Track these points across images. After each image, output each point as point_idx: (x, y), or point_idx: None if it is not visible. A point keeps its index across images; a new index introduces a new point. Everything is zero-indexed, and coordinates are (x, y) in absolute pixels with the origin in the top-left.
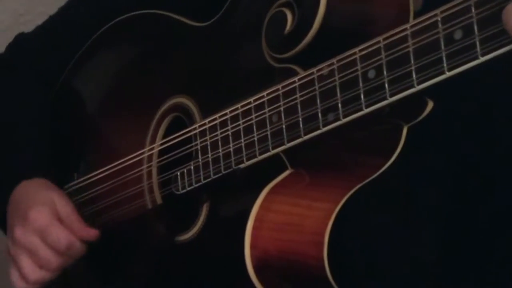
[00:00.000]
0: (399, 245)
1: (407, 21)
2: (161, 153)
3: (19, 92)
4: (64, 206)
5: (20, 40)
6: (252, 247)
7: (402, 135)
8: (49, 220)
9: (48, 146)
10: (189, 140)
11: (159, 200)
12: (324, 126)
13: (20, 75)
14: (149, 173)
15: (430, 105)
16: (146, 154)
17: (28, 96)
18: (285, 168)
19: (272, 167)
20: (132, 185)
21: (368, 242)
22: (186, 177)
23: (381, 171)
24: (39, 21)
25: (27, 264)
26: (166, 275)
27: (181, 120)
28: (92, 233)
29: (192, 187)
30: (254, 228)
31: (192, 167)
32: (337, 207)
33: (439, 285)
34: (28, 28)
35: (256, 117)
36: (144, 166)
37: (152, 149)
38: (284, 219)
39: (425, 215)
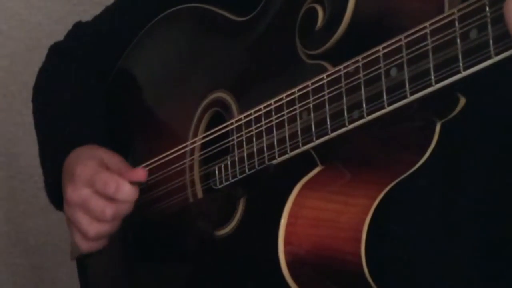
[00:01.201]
0: (438, 245)
1: None
2: (203, 147)
3: (76, 78)
4: (111, 157)
5: (78, 29)
6: (286, 243)
7: (435, 132)
8: (95, 169)
9: (103, 126)
10: (227, 134)
11: (199, 194)
12: (349, 123)
13: (77, 63)
14: (191, 167)
15: (462, 101)
16: (188, 148)
17: (84, 83)
18: (316, 165)
19: (304, 163)
20: (175, 178)
21: (406, 242)
22: (223, 171)
23: (415, 167)
24: (93, 10)
25: (83, 220)
26: (204, 269)
27: (222, 114)
28: (140, 173)
29: (228, 182)
30: (288, 224)
31: (229, 162)
32: (374, 203)
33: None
34: (82, 17)
35: (287, 113)
36: (187, 160)
37: (194, 142)
38: (318, 215)
39: (465, 215)
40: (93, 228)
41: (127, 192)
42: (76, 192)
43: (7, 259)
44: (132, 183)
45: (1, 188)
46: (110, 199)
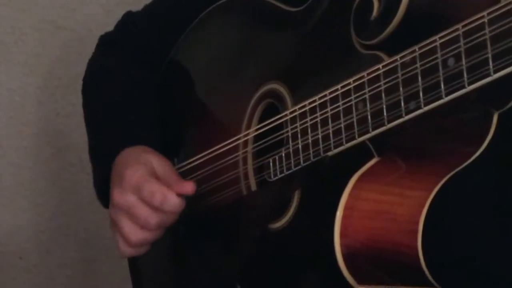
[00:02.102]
0: (493, 239)
1: None
2: (256, 139)
3: (126, 70)
4: (162, 165)
5: (128, 19)
6: (342, 235)
7: (492, 123)
8: (144, 177)
9: (155, 122)
10: (281, 126)
11: (253, 187)
12: (406, 114)
13: (127, 54)
14: (245, 159)
15: None
16: (241, 140)
17: (135, 75)
18: (372, 156)
19: (360, 155)
20: (228, 171)
21: (462, 235)
22: (277, 163)
23: (471, 159)
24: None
25: (126, 225)
26: (258, 263)
27: (275, 106)
28: (188, 186)
29: (283, 174)
30: (344, 216)
31: (283, 154)
32: (431, 195)
33: None
34: (133, 7)
35: (343, 104)
36: (240, 152)
37: (248, 134)
38: (374, 207)
39: None
40: (135, 235)
41: (173, 204)
42: (122, 197)
43: (59, 252)
44: (180, 195)
45: (52, 180)
46: (156, 208)
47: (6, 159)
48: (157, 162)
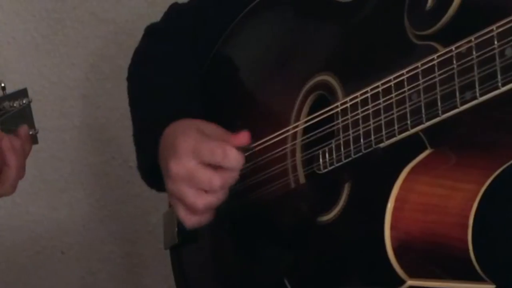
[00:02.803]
0: None
1: None
2: (306, 131)
3: (171, 60)
4: (210, 126)
5: (174, 10)
6: (392, 228)
7: None
8: (198, 139)
9: (201, 109)
10: (331, 118)
11: (302, 179)
12: (461, 104)
13: (173, 44)
14: (293, 151)
15: None
16: (290, 132)
17: (180, 64)
18: (425, 148)
19: (411, 147)
20: (276, 163)
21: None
22: (327, 156)
23: None
24: None
25: (190, 193)
26: (306, 256)
27: (325, 97)
28: (243, 136)
29: (333, 166)
30: (395, 209)
31: (333, 146)
32: (482, 188)
33: None
34: None
35: (396, 95)
36: (289, 144)
37: (297, 126)
38: (425, 200)
39: None
40: (201, 199)
41: (234, 157)
42: (180, 165)
43: (101, 247)
44: (238, 148)
45: (94, 174)
46: (216, 168)
47: (48, 153)
48: (205, 125)
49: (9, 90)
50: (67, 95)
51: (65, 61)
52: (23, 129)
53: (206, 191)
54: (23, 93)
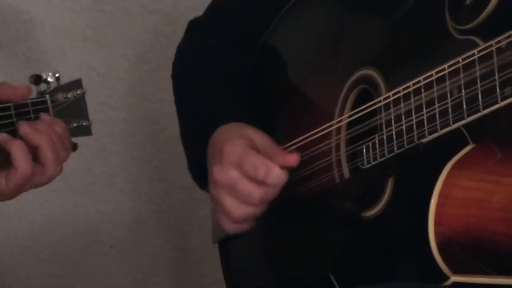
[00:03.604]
0: None
1: None
2: (350, 125)
3: (216, 54)
4: (260, 137)
5: (217, 5)
6: (436, 224)
7: None
8: (245, 150)
9: (246, 105)
10: (374, 113)
11: (346, 174)
12: (502, 100)
13: (217, 38)
14: (337, 146)
15: None
16: (334, 126)
17: (225, 59)
18: (467, 143)
19: (454, 142)
20: (321, 158)
21: None
22: (371, 150)
23: None
24: None
25: (228, 201)
26: (351, 251)
27: (369, 92)
28: (291, 157)
29: (376, 161)
30: (438, 204)
31: (376, 141)
32: None
33: None
34: None
35: (437, 90)
36: (333, 139)
37: (341, 121)
38: (469, 195)
39: None
40: (239, 210)
41: (277, 176)
42: (223, 173)
43: (150, 240)
44: (283, 167)
45: (143, 167)
46: (259, 182)
47: (96, 146)
48: (255, 134)
49: (63, 81)
50: (115, 87)
51: (113, 53)
52: (44, 115)
53: (244, 203)
54: (77, 84)
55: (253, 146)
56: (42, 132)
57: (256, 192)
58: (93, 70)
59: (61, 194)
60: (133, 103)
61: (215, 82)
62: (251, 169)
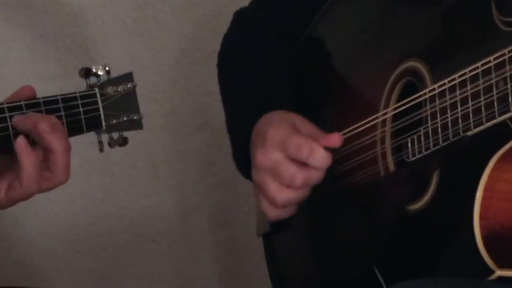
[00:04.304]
0: None
1: None
2: (395, 118)
3: (262, 45)
4: (304, 122)
5: None
6: (482, 218)
7: None
8: (288, 132)
9: (292, 96)
10: (420, 105)
11: (391, 167)
12: None
13: (262, 29)
14: (383, 139)
15: None
16: (380, 119)
17: (271, 50)
18: None
19: (500, 135)
20: (366, 150)
21: None
22: (416, 143)
23: None
24: None
25: (272, 186)
26: (396, 245)
27: (414, 84)
28: (335, 138)
29: (421, 154)
30: (484, 198)
31: (422, 134)
32: None
33: None
34: None
35: (483, 82)
36: (378, 131)
37: (386, 113)
38: None
39: None
40: (282, 194)
41: (320, 157)
42: (266, 156)
43: (193, 234)
44: (327, 149)
45: (187, 161)
46: (302, 165)
47: (139, 139)
48: (299, 120)
49: (113, 74)
50: (158, 80)
51: (156, 46)
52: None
53: (288, 186)
54: (128, 77)
55: (297, 129)
56: (58, 131)
57: (299, 175)
58: (135, 63)
59: (104, 188)
60: (176, 96)
61: (260, 72)
62: (294, 149)
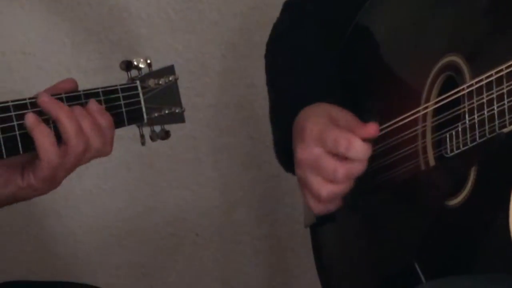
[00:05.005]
0: None
1: None
2: (436, 112)
3: (310, 36)
4: (342, 114)
5: None
6: None
7: None
8: (325, 126)
9: (336, 90)
10: (459, 100)
11: (431, 162)
12: None
13: (311, 20)
14: (423, 133)
15: None
16: (421, 113)
17: (319, 41)
18: None
19: None
20: (407, 144)
21: None
22: (454, 139)
23: None
24: None
25: (314, 180)
26: (436, 241)
27: (455, 79)
28: (371, 128)
29: (460, 150)
30: None
31: (460, 129)
32: None
33: None
34: None
35: None
36: (419, 126)
37: (427, 108)
38: None
39: None
40: (325, 189)
41: (359, 149)
42: (306, 152)
43: (236, 228)
44: (365, 139)
45: (231, 154)
46: (342, 158)
47: (182, 132)
48: (336, 112)
49: (158, 67)
50: (202, 72)
51: (200, 38)
52: (92, 103)
53: (330, 181)
54: (169, 70)
55: (335, 122)
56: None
57: (340, 168)
58: (179, 56)
59: (148, 182)
60: (220, 88)
61: (305, 64)
62: (332, 144)
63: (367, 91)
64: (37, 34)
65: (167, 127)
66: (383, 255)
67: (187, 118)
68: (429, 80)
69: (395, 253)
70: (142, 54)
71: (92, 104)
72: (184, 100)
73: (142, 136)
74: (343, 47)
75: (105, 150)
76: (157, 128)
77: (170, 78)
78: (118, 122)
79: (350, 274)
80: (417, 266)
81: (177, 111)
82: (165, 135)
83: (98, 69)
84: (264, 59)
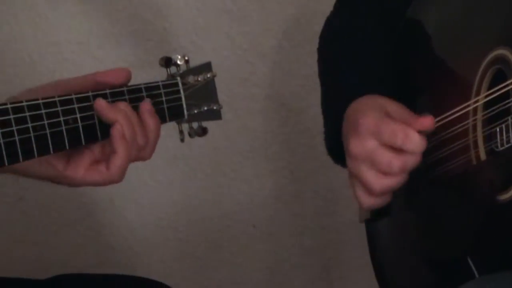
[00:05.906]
0: None
1: None
2: (486, 106)
3: (363, 29)
4: (396, 107)
5: None
6: None
7: None
8: (381, 119)
9: (388, 83)
10: (508, 94)
11: (483, 156)
12: None
13: (366, 11)
14: (474, 127)
15: None
16: (471, 107)
17: (372, 35)
18: None
19: None
20: (458, 139)
21: None
22: (504, 133)
23: None
24: None
25: (368, 174)
26: (488, 235)
27: (504, 72)
28: (428, 121)
29: (509, 144)
30: None
31: (510, 123)
32: None
33: None
34: None
35: None
36: (470, 119)
37: (477, 101)
38: None
39: None
40: (379, 182)
41: (416, 141)
42: (360, 144)
43: (293, 220)
44: (420, 132)
45: (287, 145)
46: (397, 151)
47: (238, 122)
48: (391, 104)
49: (206, 58)
50: (259, 62)
51: (257, 28)
52: (145, 104)
53: (385, 174)
54: (207, 67)
55: (388, 114)
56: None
57: (396, 161)
58: (236, 45)
59: (204, 174)
60: (277, 79)
61: (360, 55)
62: (389, 136)
63: (417, 85)
64: (91, 26)
65: (205, 123)
66: (436, 249)
67: (243, 109)
68: (479, 73)
69: (448, 247)
70: (199, 45)
71: (147, 104)
72: (240, 90)
73: (181, 132)
74: (395, 41)
75: (144, 153)
76: (195, 125)
77: (208, 75)
78: (160, 119)
79: (403, 267)
80: (470, 261)
81: (215, 108)
82: (203, 132)
83: (143, 64)
84: (317, 51)
